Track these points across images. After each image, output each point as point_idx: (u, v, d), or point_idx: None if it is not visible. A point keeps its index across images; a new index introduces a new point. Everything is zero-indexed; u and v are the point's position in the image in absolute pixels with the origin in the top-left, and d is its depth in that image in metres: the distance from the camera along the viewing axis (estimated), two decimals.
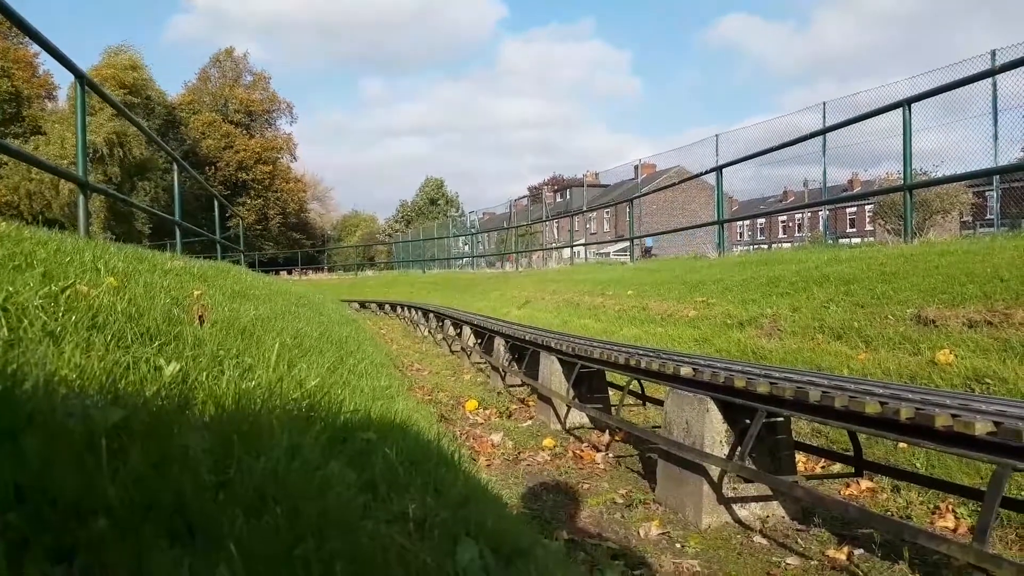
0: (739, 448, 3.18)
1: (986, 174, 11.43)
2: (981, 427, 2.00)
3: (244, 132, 56.51)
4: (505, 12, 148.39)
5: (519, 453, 4.68)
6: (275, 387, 1.53)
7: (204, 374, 1.42)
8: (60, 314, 1.40)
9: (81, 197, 5.45)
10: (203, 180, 15.05)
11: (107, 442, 0.80)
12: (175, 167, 9.32)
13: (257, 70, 61.33)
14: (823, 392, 2.66)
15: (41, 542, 0.62)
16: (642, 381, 4.64)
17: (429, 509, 1.25)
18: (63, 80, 47.02)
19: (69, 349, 1.16)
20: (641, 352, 4.59)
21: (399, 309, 16.31)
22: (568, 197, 45.37)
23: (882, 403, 2.38)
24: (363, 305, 18.81)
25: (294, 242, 55.97)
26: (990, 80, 11.36)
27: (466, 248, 34.90)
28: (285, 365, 1.73)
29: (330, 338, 4.33)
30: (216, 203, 13.93)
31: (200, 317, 2.04)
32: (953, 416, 2.11)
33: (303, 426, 1.32)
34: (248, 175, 54.89)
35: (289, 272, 36.17)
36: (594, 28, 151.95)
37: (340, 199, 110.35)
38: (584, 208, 26.26)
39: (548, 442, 4.89)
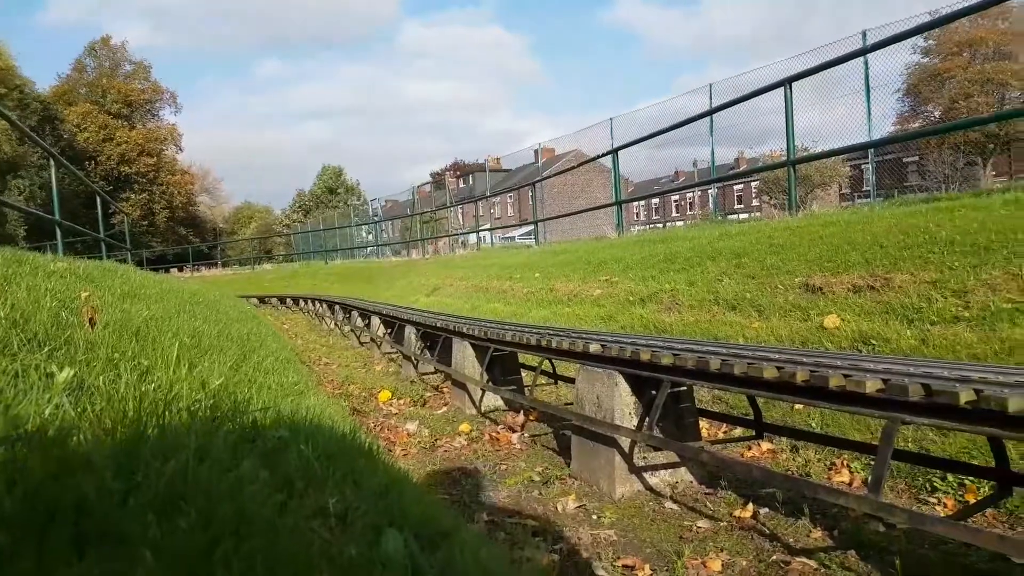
0: (647, 418, 3.30)
1: (862, 147, 12.25)
2: (871, 385, 2.15)
3: (125, 124, 53.00)
4: None
5: (436, 440, 4.67)
6: (176, 388, 1.46)
7: (100, 378, 1.33)
8: None
9: None
10: (83, 176, 14.01)
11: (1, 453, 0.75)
12: (52, 163, 8.65)
13: (137, 59, 57.50)
14: (723, 360, 2.79)
15: None
16: (553, 360, 4.73)
17: (349, 502, 1.23)
18: None
19: None
20: (551, 332, 4.67)
21: (302, 303, 15.84)
22: (471, 182, 45.35)
23: (779, 368, 2.52)
24: (263, 301, 18.15)
25: (183, 238, 53.19)
26: (862, 60, 12.14)
27: (370, 237, 34.26)
28: (186, 365, 1.65)
29: (230, 336, 4.16)
30: (98, 199, 13.06)
31: (91, 320, 1.92)
32: (845, 376, 2.26)
33: (210, 427, 1.27)
34: (131, 168, 51.62)
35: (180, 270, 34.39)
36: (495, 12, 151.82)
37: (231, 191, 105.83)
38: (488, 193, 26.30)
39: (464, 427, 4.90)
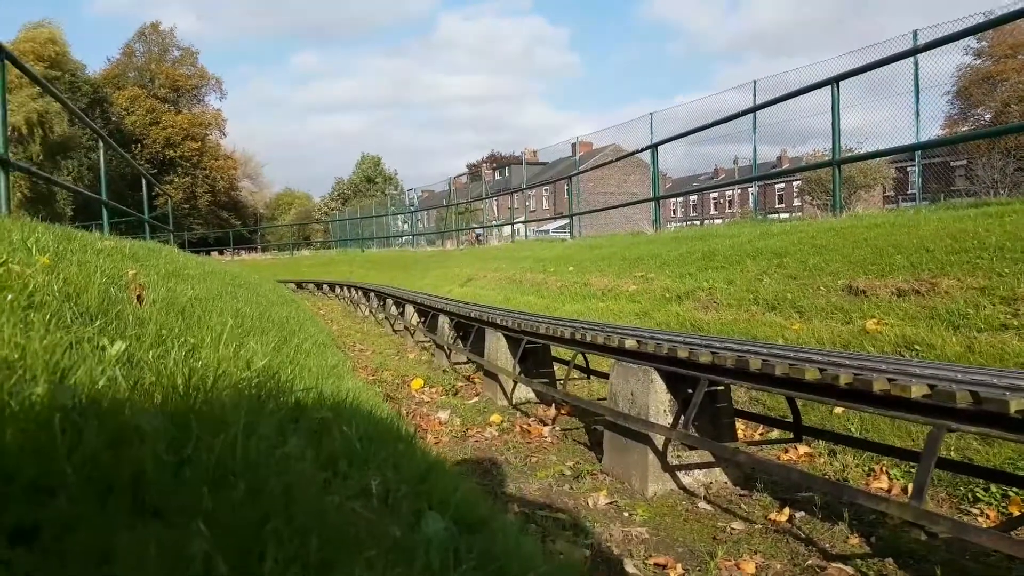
0: (683, 417, 3.26)
1: (910, 149, 11.96)
2: (917, 390, 2.10)
3: (171, 108, 54.16)
4: None
5: (467, 430, 4.69)
6: (224, 366, 1.49)
7: (149, 353, 1.36)
8: None
9: (2, 176, 5.13)
10: (129, 158, 14.35)
11: (59, 422, 0.76)
12: (100, 145, 8.87)
13: (185, 45, 58.68)
14: (764, 360, 2.75)
15: None
16: (587, 355, 4.71)
17: (391, 484, 1.24)
18: None
19: (8, 329, 1.10)
20: (586, 326, 4.65)
21: (338, 289, 16.02)
22: (507, 174, 45.33)
23: (821, 370, 2.47)
24: (300, 286, 18.40)
25: (224, 221, 54.15)
26: (911, 60, 11.83)
27: (405, 226, 34.51)
28: (232, 345, 1.68)
29: (271, 318, 4.22)
30: (143, 181, 13.35)
31: (139, 296, 1.96)
32: (890, 380, 2.20)
33: (256, 405, 1.29)
34: (176, 152, 52.73)
35: (221, 253, 35.01)
36: (533, 3, 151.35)
37: (272, 177, 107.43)
38: (524, 185, 26.26)
39: (495, 418, 4.91)
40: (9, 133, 5.36)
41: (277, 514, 0.78)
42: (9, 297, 1.32)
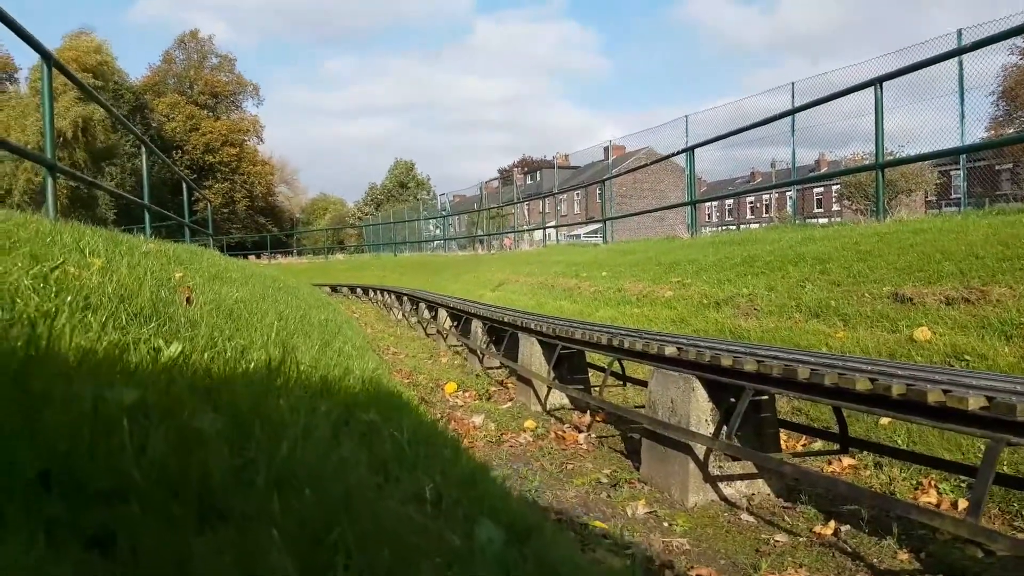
0: (725, 427, 3.20)
1: (956, 153, 11.62)
2: (974, 402, 2.03)
3: (210, 114, 55.24)
4: None
5: (501, 435, 4.67)
6: (275, 368, 1.49)
7: (204, 355, 1.37)
8: (52, 294, 1.34)
9: (49, 180, 5.28)
10: (171, 163, 14.67)
11: (127, 425, 0.76)
12: (143, 150, 9.08)
13: (223, 52, 59.92)
14: (812, 369, 2.69)
15: (73, 529, 0.58)
16: (623, 361, 4.66)
17: (441, 489, 1.23)
18: (25, 61, 45.59)
19: (68, 330, 1.11)
20: (623, 332, 4.60)
21: (372, 293, 16.15)
22: (539, 179, 45.29)
23: (872, 380, 2.41)
24: (335, 289, 18.58)
25: (261, 226, 54.99)
26: (955, 60, 11.52)
27: (437, 231, 34.67)
28: (281, 346, 1.69)
29: (311, 321, 4.26)
30: (184, 186, 13.65)
31: (187, 298, 1.98)
32: (945, 391, 2.13)
33: (309, 406, 1.29)
34: (215, 157, 53.72)
35: (258, 256, 35.57)
36: (566, 7, 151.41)
37: (307, 182, 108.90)
38: (555, 190, 26.22)
39: (530, 424, 4.89)
40: (55, 139, 5.51)
41: (340, 520, 0.77)
42: (68, 299, 1.34)
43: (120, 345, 1.19)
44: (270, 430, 0.99)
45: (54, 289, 1.40)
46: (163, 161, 12.51)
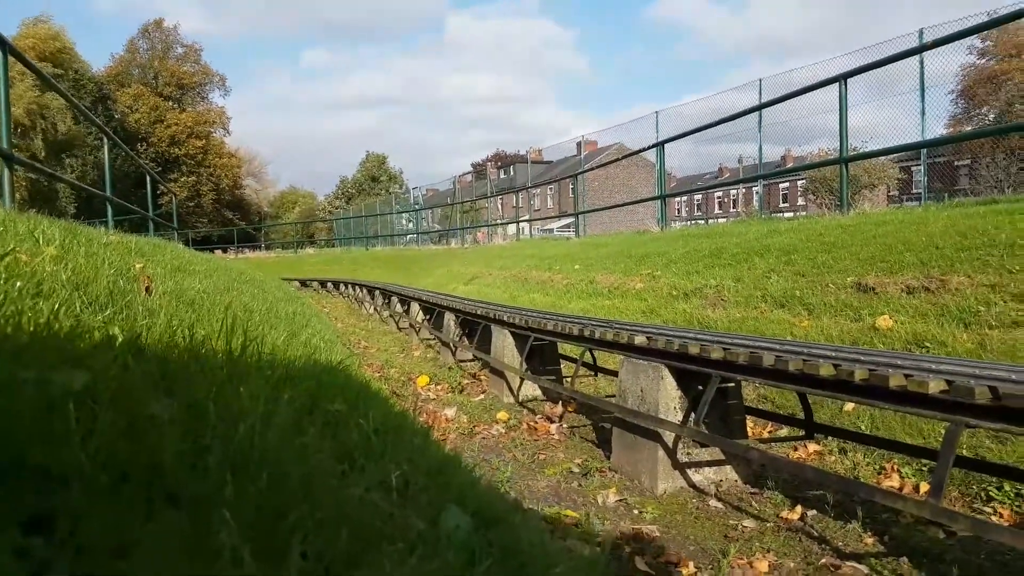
0: (693, 414, 3.23)
1: (917, 147, 11.87)
2: (935, 386, 2.07)
3: (175, 106, 54.12)
4: None
5: (474, 427, 4.66)
6: (236, 356, 1.46)
7: (161, 342, 1.34)
8: (2, 281, 1.30)
9: (6, 170, 5.12)
10: (134, 155, 14.34)
11: (73, 409, 0.73)
12: (105, 142, 8.85)
13: (188, 42, 58.59)
14: (776, 356, 2.72)
15: (10, 513, 0.56)
16: (595, 352, 4.68)
17: (408, 477, 1.21)
18: None
19: (14, 316, 1.07)
20: (594, 323, 4.62)
21: (343, 287, 15.99)
22: (512, 173, 45.27)
23: (836, 365, 2.44)
24: (304, 284, 18.36)
25: (228, 220, 54.12)
26: (917, 59, 11.75)
27: (410, 225, 34.47)
28: (242, 336, 1.65)
29: (277, 314, 4.20)
30: (148, 179, 13.36)
31: (147, 288, 1.93)
32: (906, 376, 2.17)
33: (272, 395, 1.26)
34: (180, 150, 52.66)
35: (224, 250, 34.97)
36: (541, 5, 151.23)
37: (276, 175, 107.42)
38: (529, 184, 26.21)
39: (502, 415, 4.89)
40: (11, 128, 5.33)
41: (299, 505, 0.75)
42: (18, 285, 1.29)
43: (73, 331, 1.16)
44: (228, 417, 0.96)
45: (3, 276, 1.36)
46: (126, 153, 12.21)
